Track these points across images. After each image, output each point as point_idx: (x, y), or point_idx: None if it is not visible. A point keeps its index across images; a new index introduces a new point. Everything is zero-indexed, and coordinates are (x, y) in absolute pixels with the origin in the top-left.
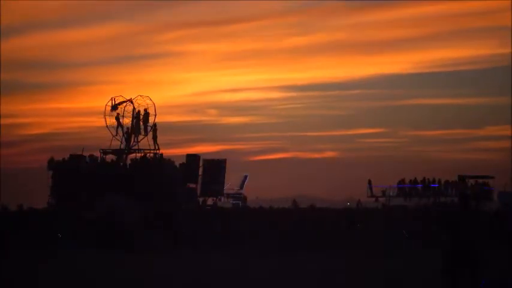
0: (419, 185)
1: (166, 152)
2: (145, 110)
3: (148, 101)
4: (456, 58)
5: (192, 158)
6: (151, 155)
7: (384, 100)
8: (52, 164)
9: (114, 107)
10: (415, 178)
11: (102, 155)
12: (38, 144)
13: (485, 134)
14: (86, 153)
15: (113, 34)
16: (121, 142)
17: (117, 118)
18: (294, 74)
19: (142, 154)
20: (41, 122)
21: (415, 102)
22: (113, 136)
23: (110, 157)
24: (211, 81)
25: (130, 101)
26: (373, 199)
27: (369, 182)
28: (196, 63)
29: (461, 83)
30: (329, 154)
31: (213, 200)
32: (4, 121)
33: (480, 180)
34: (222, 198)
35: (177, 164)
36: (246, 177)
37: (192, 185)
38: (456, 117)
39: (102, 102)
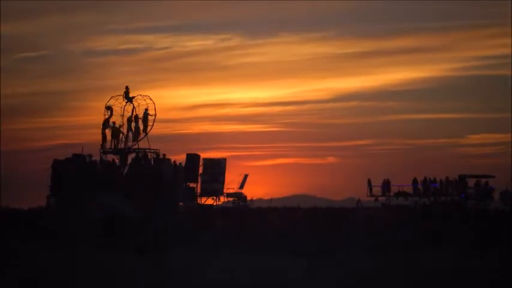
0: (420, 184)
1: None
2: (145, 110)
3: (148, 101)
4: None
5: (192, 157)
6: (150, 154)
7: (374, 114)
8: (55, 164)
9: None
10: (415, 178)
11: (101, 154)
12: (47, 153)
13: (468, 142)
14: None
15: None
16: (121, 141)
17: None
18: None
19: (141, 154)
20: (49, 135)
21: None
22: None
23: (110, 157)
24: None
25: (130, 100)
26: (373, 198)
27: (369, 181)
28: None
29: (442, 98)
30: (331, 160)
31: (213, 199)
32: (13, 133)
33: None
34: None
35: (177, 163)
36: (246, 176)
37: (192, 185)
38: (439, 129)
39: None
